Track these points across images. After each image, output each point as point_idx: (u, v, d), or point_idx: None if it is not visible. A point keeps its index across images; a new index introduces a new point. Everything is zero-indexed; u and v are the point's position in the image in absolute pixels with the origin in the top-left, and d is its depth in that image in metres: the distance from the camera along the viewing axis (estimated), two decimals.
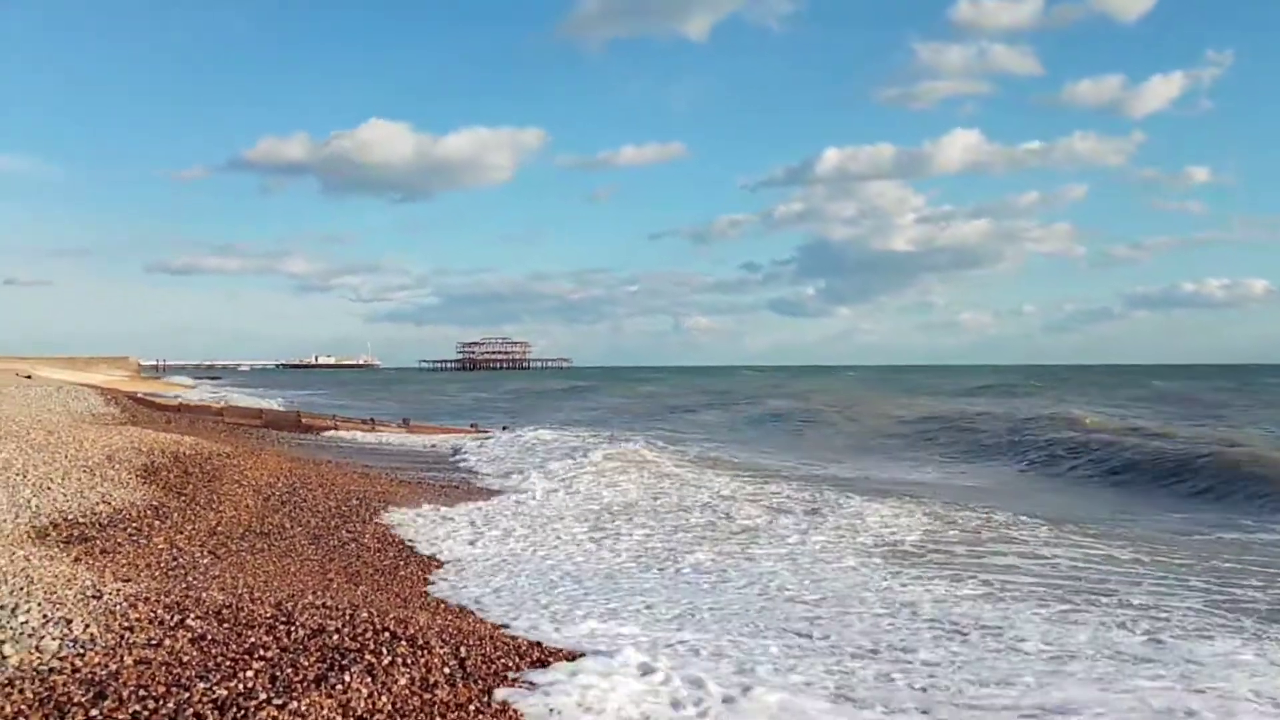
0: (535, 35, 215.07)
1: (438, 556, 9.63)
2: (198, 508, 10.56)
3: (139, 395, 39.62)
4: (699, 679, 5.23)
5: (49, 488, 10.14)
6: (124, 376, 76.93)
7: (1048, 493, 18.47)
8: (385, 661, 4.89)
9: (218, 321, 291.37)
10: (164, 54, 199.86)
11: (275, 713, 4.16)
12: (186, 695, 4.26)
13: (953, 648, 6.66)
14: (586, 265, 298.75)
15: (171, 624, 5.31)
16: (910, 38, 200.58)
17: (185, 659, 4.75)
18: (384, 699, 4.43)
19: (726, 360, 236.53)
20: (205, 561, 8.13)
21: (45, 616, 5.12)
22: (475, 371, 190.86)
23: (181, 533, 9.19)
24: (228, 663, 4.72)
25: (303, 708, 4.22)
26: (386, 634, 5.38)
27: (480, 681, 4.87)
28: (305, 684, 4.50)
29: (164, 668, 4.60)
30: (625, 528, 11.80)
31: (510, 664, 5.24)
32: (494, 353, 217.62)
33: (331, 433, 25.80)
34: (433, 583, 8.46)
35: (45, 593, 5.56)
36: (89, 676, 4.43)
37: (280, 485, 12.75)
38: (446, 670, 4.94)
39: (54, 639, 4.82)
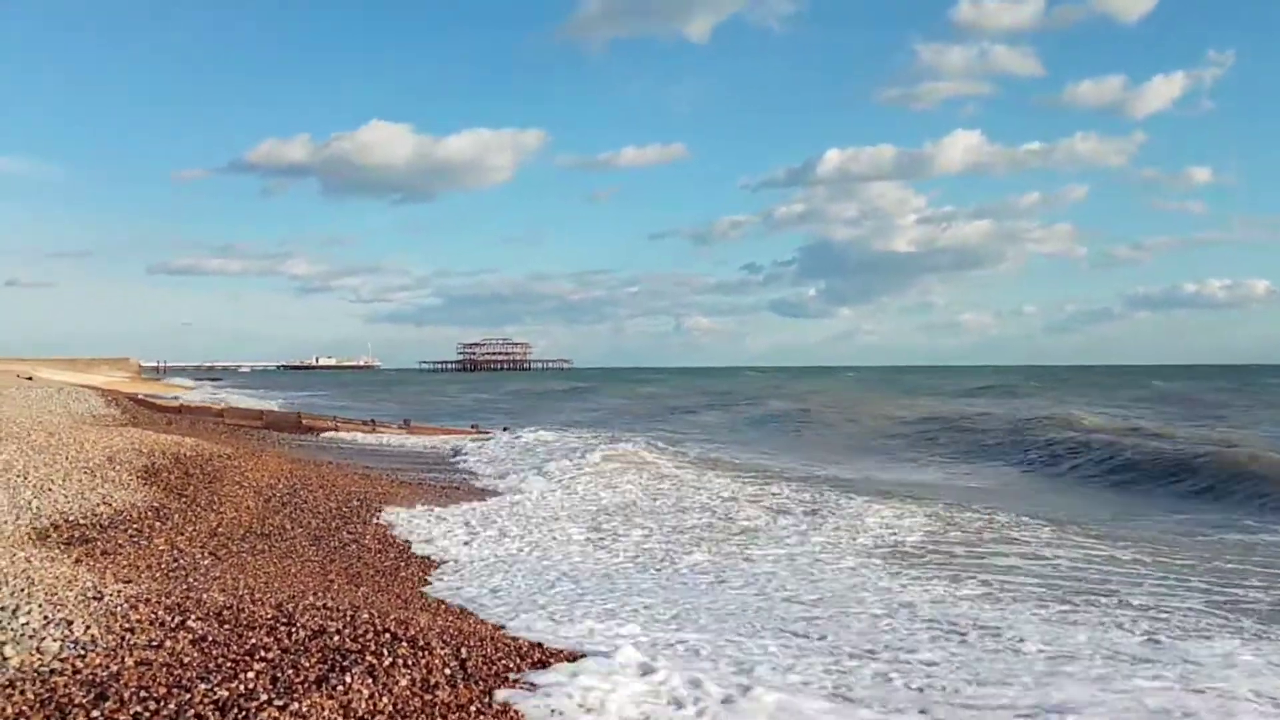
0: (536, 36, 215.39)
1: (438, 557, 9.64)
2: (199, 509, 10.58)
3: (139, 397, 39.66)
4: (698, 679, 5.25)
5: (50, 489, 10.16)
6: (124, 378, 77.00)
7: (1050, 493, 18.48)
8: (386, 663, 4.90)
9: (219, 323, 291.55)
10: (165, 55, 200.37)
11: (276, 714, 4.17)
12: (188, 696, 4.27)
13: (951, 648, 6.66)
14: (587, 266, 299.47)
15: (172, 625, 5.32)
16: (911, 38, 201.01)
17: (186, 660, 4.76)
18: (385, 700, 4.45)
19: (727, 361, 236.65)
20: (206, 563, 8.15)
21: (46, 618, 5.13)
22: (476, 372, 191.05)
23: (182, 534, 9.21)
24: (229, 664, 4.73)
25: (304, 709, 4.23)
26: (387, 635, 5.39)
27: (481, 683, 4.88)
28: (306, 685, 4.51)
29: (165, 669, 4.61)
30: (624, 528, 11.81)
31: (511, 665, 5.25)
32: (495, 354, 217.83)
33: (332, 434, 25.83)
34: (432, 583, 8.47)
35: (46, 594, 5.57)
36: (90, 678, 4.44)
37: (281, 486, 12.76)
38: (447, 671, 4.95)
39: (55, 640, 4.84)
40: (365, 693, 4.48)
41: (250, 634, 5.25)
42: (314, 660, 4.87)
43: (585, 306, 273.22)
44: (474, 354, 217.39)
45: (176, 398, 44.81)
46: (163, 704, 4.19)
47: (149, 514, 9.83)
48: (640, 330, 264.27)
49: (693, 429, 34.77)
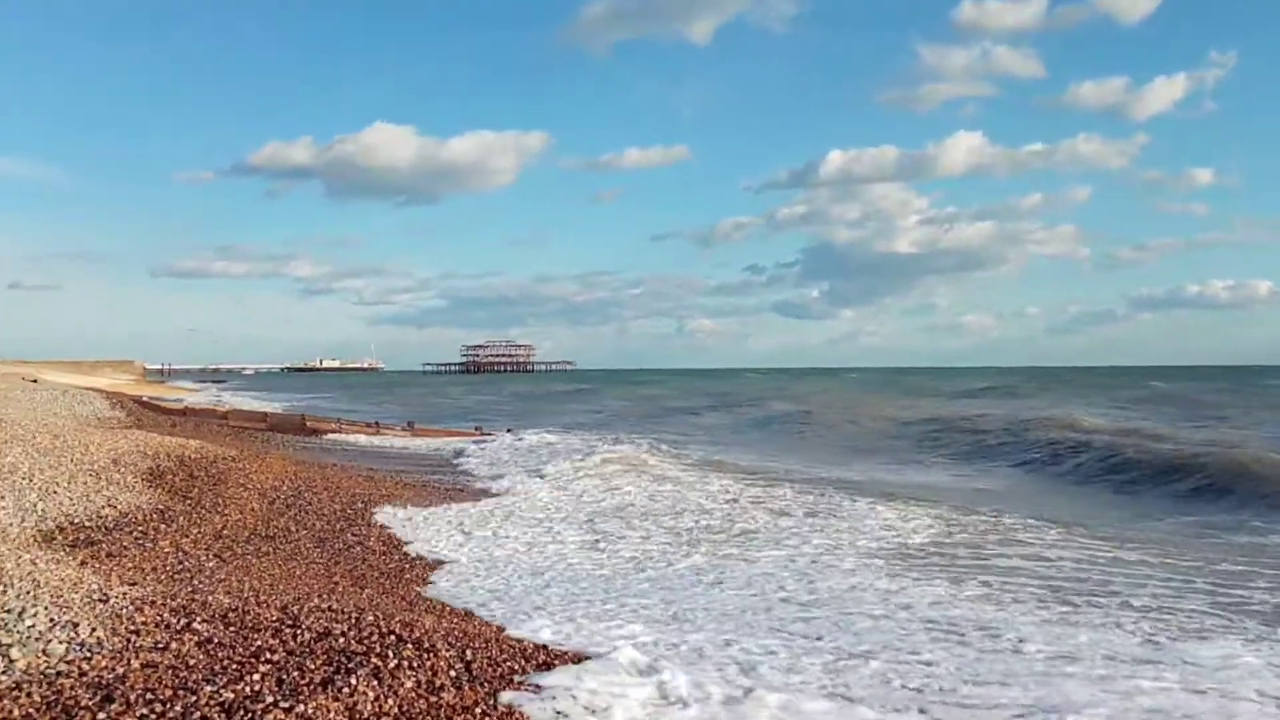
0: (539, 38, 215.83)
1: (441, 559, 9.67)
2: (203, 511, 10.61)
3: (144, 399, 39.73)
4: (700, 680, 5.27)
5: (55, 491, 10.20)
6: (129, 381, 77.14)
7: (1055, 495, 18.46)
8: (391, 665, 4.92)
9: (223, 325, 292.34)
10: (168, 58, 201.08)
11: (282, 716, 4.19)
12: (193, 698, 4.29)
13: (951, 648, 6.68)
14: (591, 268, 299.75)
15: (178, 627, 5.34)
16: (913, 40, 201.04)
17: (192, 662, 4.78)
18: (390, 702, 4.47)
19: (730, 362, 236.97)
20: (211, 565, 8.17)
21: (52, 620, 5.15)
22: (479, 374, 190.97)
23: (187, 536, 9.24)
24: (234, 666, 4.75)
25: (309, 711, 4.25)
26: (392, 637, 5.41)
27: (486, 684, 4.90)
28: (312, 687, 4.53)
29: (171, 671, 4.63)
30: (625, 530, 11.83)
31: (516, 667, 5.27)
32: (498, 356, 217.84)
33: (336, 436, 25.87)
34: (436, 585, 8.49)
35: (52, 596, 5.59)
36: (96, 680, 4.46)
37: (285, 489, 12.79)
38: (452, 673, 4.97)
39: (61, 642, 4.86)
40: (370, 695, 4.50)
41: (255, 636, 5.28)
42: (319, 662, 4.89)
43: (589, 308, 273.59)
44: (477, 356, 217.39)
45: (181, 400, 44.89)
46: (169, 706, 4.21)
47: (154, 516, 9.86)
48: (643, 332, 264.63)
49: (695, 430, 34.75)
